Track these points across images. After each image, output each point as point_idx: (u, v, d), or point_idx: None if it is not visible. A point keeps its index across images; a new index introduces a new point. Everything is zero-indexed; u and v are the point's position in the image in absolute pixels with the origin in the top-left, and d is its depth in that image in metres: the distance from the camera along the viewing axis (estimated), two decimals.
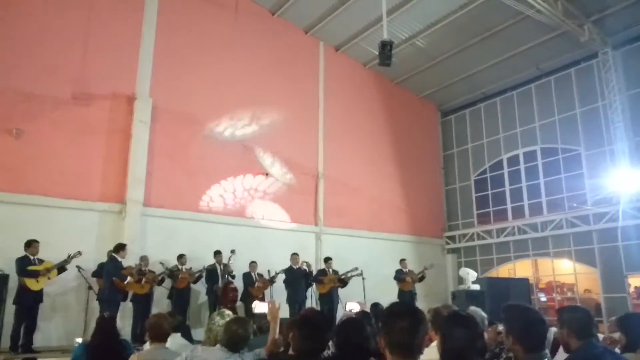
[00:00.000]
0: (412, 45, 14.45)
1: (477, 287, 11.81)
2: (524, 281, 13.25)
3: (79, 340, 4.55)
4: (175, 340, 4.56)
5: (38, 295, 8.18)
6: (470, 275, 11.96)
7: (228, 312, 4.45)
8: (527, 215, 14.76)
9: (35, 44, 10.28)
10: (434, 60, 15.05)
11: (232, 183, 12.43)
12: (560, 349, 3.68)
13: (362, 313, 3.96)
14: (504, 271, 15.23)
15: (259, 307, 3.65)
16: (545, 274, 14.76)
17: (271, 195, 13.06)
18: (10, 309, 7.06)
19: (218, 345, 3.52)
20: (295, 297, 10.78)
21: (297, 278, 10.99)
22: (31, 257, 8.20)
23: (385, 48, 9.62)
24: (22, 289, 7.96)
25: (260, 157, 13.05)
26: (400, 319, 2.09)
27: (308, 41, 14.64)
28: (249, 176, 12.75)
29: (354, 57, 15.43)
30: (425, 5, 12.90)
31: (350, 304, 4.35)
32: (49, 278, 8.28)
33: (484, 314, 4.22)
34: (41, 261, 8.28)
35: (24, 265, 8.05)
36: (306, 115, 14.21)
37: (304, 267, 11.18)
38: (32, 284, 8.03)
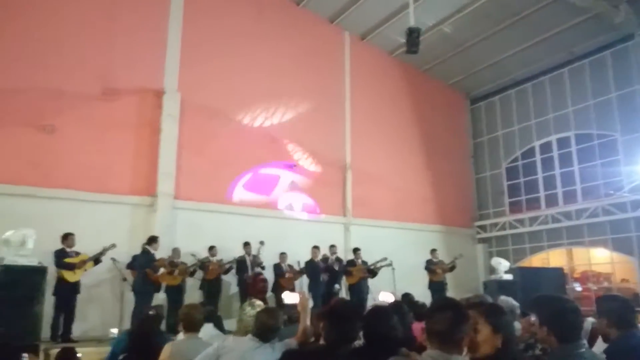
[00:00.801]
0: (438, 32, 14.17)
1: (509, 277, 11.63)
2: (558, 271, 12.98)
3: (114, 330, 4.66)
4: (207, 331, 4.62)
5: (75, 287, 8.41)
6: (502, 265, 11.78)
7: (259, 302, 4.48)
8: (561, 203, 14.40)
9: (64, 41, 10.46)
10: (461, 46, 14.75)
11: (259, 175, 12.49)
12: (599, 339, 3.59)
13: (395, 303, 3.91)
14: (537, 261, 14.90)
15: (289, 297, 3.67)
16: (581, 263, 14.40)
17: (299, 187, 13.08)
18: (49, 300, 7.28)
19: (249, 335, 3.54)
20: (315, 290, 10.76)
21: (317, 271, 11.00)
22: (68, 250, 8.42)
23: (412, 35, 9.50)
24: (60, 281, 8.19)
25: (287, 149, 13.07)
26: (443, 311, 2.14)
27: (333, 31, 14.54)
28: (276, 168, 12.78)
29: (379, 45, 15.25)
30: None
31: (383, 294, 4.32)
32: (85, 270, 8.51)
33: (515, 303, 4.13)
34: (77, 253, 8.49)
35: (61, 258, 8.27)
36: (332, 105, 14.15)
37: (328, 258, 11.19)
38: (69, 276, 8.25)
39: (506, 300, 4.08)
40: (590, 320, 6.03)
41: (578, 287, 14.34)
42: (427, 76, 16.31)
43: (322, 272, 10.99)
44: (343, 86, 14.48)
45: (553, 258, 14.65)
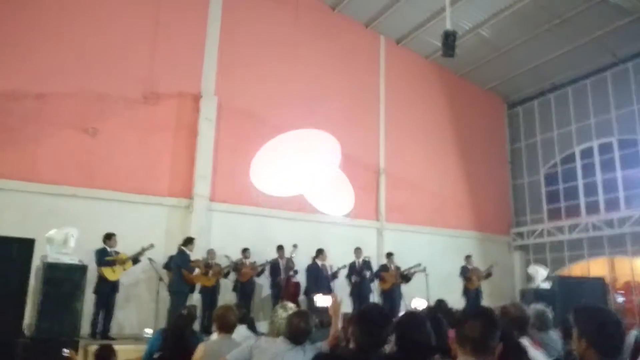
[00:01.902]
0: (476, 36, 13.97)
1: (547, 285, 11.31)
2: (599, 281, 12.49)
3: (149, 330, 4.78)
4: (240, 332, 4.68)
5: (115, 285, 8.69)
6: (539, 273, 11.46)
7: (291, 305, 4.49)
8: (602, 210, 13.92)
9: (108, 48, 10.84)
10: (499, 50, 14.48)
11: (293, 178, 12.56)
12: None
13: (428, 309, 3.88)
14: (576, 270, 14.44)
15: (321, 300, 3.68)
16: (623, 274, 13.86)
17: (332, 191, 13.08)
18: (89, 298, 7.53)
19: (281, 337, 3.57)
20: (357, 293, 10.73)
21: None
22: (109, 249, 8.70)
23: (449, 38, 9.39)
24: (101, 279, 8.47)
25: (322, 152, 13.10)
26: (475, 318, 2.14)
27: (368, 35, 14.53)
28: (310, 171, 12.83)
29: (415, 50, 15.14)
30: None
31: (415, 301, 4.27)
32: (124, 269, 8.76)
33: (549, 315, 3.98)
34: (117, 253, 8.76)
35: (102, 257, 8.56)
36: (367, 110, 14.13)
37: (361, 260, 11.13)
38: (109, 274, 8.52)
39: (534, 308, 3.96)
40: (633, 333, 5.81)
41: (620, 299, 13.82)
42: (464, 80, 16.09)
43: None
44: (378, 90, 14.45)
45: (593, 268, 14.15)
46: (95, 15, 10.87)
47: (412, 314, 3.05)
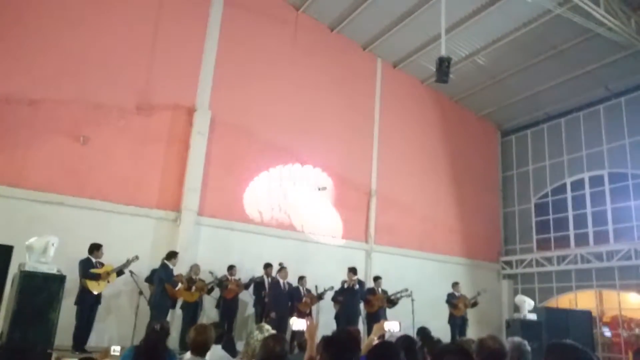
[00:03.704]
0: (472, 63, 14.13)
1: (533, 316, 11.24)
2: (586, 313, 12.46)
3: (117, 348, 4.65)
4: (215, 352, 4.56)
5: (98, 298, 8.50)
6: (526, 303, 11.39)
7: (267, 327, 4.42)
8: (591, 243, 13.92)
9: (105, 57, 10.85)
10: (494, 78, 14.64)
11: (284, 196, 12.51)
12: None
13: (405, 338, 3.80)
14: (564, 301, 14.37)
15: (297, 323, 3.59)
16: (611, 307, 13.81)
17: (323, 210, 13.03)
18: (65, 308, 7.37)
19: None
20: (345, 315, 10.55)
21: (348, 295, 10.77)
22: (93, 260, 8.53)
23: (443, 64, 9.45)
24: (84, 291, 8.29)
25: (314, 172, 13.08)
26: (452, 354, 2.16)
27: (366, 57, 14.64)
28: (301, 190, 12.79)
29: (411, 73, 15.27)
30: (487, 22, 12.60)
31: (389, 324, 4.16)
32: (108, 282, 8.58)
33: (527, 348, 3.89)
34: (101, 264, 8.60)
35: (87, 268, 8.38)
36: (361, 131, 14.16)
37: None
38: (93, 287, 8.34)
39: (511, 341, 3.86)
40: None
41: (608, 332, 13.74)
42: (459, 106, 16.21)
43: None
44: (373, 112, 14.51)
45: (581, 300, 14.10)
46: (93, 24, 10.90)
47: (385, 344, 2.98)
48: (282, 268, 10.49)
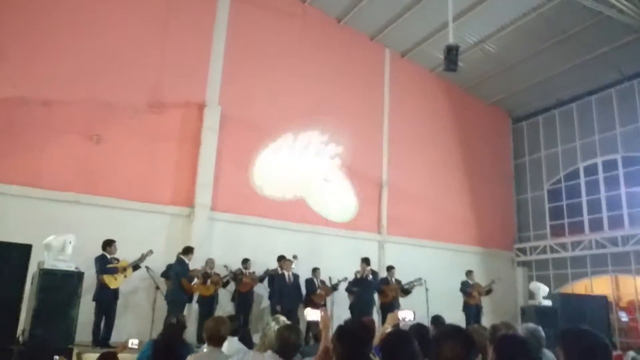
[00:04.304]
0: (481, 50, 14.01)
1: (548, 303, 11.19)
2: (602, 299, 12.39)
3: (135, 341, 4.74)
4: (232, 344, 4.64)
5: (116, 293, 8.66)
6: (541, 290, 11.34)
7: (283, 318, 4.48)
8: (606, 228, 13.80)
9: (117, 56, 10.96)
10: (504, 65, 14.50)
11: (296, 189, 12.56)
12: None
13: (418, 326, 3.83)
14: (579, 287, 14.30)
15: (311, 314, 3.63)
16: (627, 292, 13.70)
17: (335, 202, 13.07)
18: (84, 305, 7.52)
19: (269, 352, 3.54)
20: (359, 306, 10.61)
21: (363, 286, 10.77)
22: (108, 256, 8.68)
23: (451, 52, 9.39)
24: (102, 287, 8.44)
25: (325, 164, 13.11)
26: (452, 339, 2.12)
27: (373, 48, 14.58)
28: (313, 182, 12.83)
29: (420, 63, 15.18)
30: (495, 8, 12.47)
31: (402, 313, 4.19)
32: (125, 276, 8.75)
33: (542, 334, 3.92)
34: (117, 260, 8.75)
35: (103, 264, 8.54)
36: (371, 122, 14.15)
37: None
38: (110, 282, 8.50)
39: (533, 329, 3.89)
40: (630, 355, 5.76)
41: (624, 317, 13.65)
42: (469, 94, 16.09)
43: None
44: (382, 103, 14.47)
45: (597, 285, 14.01)
46: (103, 23, 11.00)
47: (398, 333, 3.02)
48: (281, 259, 10.54)
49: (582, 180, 14.62)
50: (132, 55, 11.15)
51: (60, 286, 6.68)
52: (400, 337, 2.79)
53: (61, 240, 6.99)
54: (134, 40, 11.25)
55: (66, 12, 10.69)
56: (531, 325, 4.02)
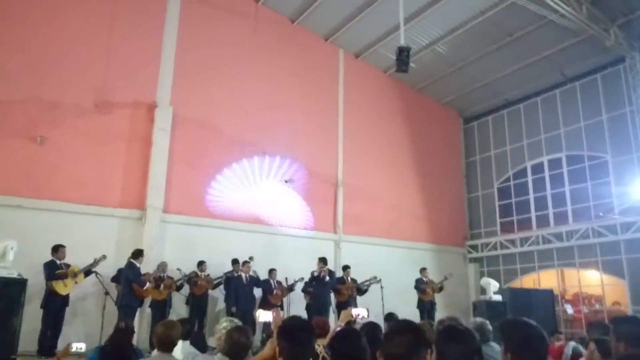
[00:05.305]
0: (432, 52, 14.32)
1: (499, 297, 11.59)
2: (548, 292, 12.91)
3: (80, 345, 4.59)
4: (184, 348, 4.56)
5: (65, 299, 8.36)
6: (491, 285, 11.73)
7: (235, 319, 4.43)
8: (552, 224, 14.40)
9: (61, 54, 10.55)
10: (455, 66, 14.88)
11: (251, 190, 12.46)
12: None
13: (369, 324, 3.87)
14: (528, 281, 14.87)
15: (263, 315, 3.60)
16: (572, 285, 14.34)
17: (290, 203, 13.04)
18: (29, 313, 7.20)
19: (219, 354, 3.48)
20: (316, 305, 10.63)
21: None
22: (58, 262, 8.37)
23: (402, 54, 9.56)
24: (50, 294, 8.11)
25: (280, 164, 13.06)
26: (402, 334, 2.11)
27: (328, 48, 14.66)
28: (268, 183, 12.76)
29: (374, 64, 15.37)
30: (445, 11, 12.77)
31: (356, 310, 4.24)
32: (76, 282, 8.45)
33: (489, 327, 4.07)
34: (67, 266, 8.44)
35: (52, 270, 8.21)
36: (326, 122, 14.20)
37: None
38: (60, 288, 8.19)
39: (481, 323, 4.03)
40: (572, 345, 6.01)
41: (570, 310, 14.26)
42: (421, 95, 16.43)
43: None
44: (337, 103, 14.55)
45: (544, 279, 14.59)
46: (47, 21, 10.57)
47: (347, 330, 3.04)
48: (236, 262, 10.51)
49: (530, 178, 15.21)
50: (78, 54, 10.76)
51: (1, 294, 6.37)
52: (348, 334, 2.80)
53: (2, 246, 6.69)
54: (79, 38, 10.86)
55: (8, 8, 10.20)
56: (479, 319, 4.15)
